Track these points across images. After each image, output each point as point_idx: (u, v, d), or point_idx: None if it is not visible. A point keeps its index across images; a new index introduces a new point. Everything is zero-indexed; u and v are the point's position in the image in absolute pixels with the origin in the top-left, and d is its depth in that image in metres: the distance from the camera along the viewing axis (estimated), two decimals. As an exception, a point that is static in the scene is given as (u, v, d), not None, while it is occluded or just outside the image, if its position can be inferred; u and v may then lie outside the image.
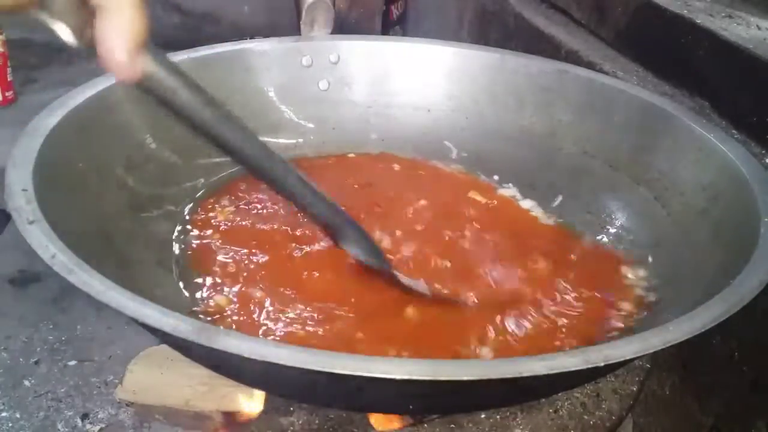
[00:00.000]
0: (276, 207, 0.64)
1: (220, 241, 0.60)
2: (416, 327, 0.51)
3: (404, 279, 0.54)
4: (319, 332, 0.49)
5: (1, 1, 0.36)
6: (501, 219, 0.66)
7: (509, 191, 0.71)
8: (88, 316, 0.72)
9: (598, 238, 0.64)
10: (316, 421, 0.50)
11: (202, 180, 0.68)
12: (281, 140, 0.75)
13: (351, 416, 0.50)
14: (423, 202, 0.67)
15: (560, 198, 0.69)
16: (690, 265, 0.53)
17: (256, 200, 0.65)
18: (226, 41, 0.75)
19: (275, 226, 0.61)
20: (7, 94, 1.10)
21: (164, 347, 0.55)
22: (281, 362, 0.34)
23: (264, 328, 0.50)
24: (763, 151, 0.61)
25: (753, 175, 0.53)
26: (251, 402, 0.52)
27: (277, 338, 0.49)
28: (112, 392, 0.59)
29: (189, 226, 0.62)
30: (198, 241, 0.60)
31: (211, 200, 0.65)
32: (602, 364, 0.35)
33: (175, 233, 0.61)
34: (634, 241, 0.61)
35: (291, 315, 0.51)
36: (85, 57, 0.39)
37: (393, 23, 1.76)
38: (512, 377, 0.35)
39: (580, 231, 0.65)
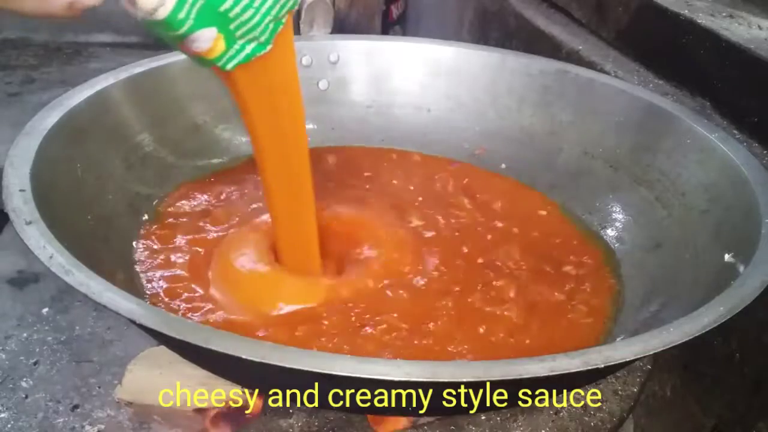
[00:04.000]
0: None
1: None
2: None
3: None
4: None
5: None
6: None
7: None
8: (86, 316, 0.72)
9: (598, 238, 0.64)
10: (316, 423, 0.49)
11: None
12: (281, 140, 0.75)
13: (350, 418, 0.50)
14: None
15: (560, 198, 0.69)
16: (691, 266, 0.53)
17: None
18: (226, 41, 0.74)
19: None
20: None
21: (164, 348, 0.54)
22: (279, 364, 0.33)
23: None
24: (765, 152, 0.61)
25: (754, 176, 0.53)
26: (250, 403, 0.52)
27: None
28: (111, 393, 0.59)
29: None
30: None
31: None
32: (602, 366, 0.35)
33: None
34: (634, 242, 0.61)
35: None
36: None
37: (393, 23, 1.76)
38: (512, 379, 0.35)
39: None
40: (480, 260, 0.59)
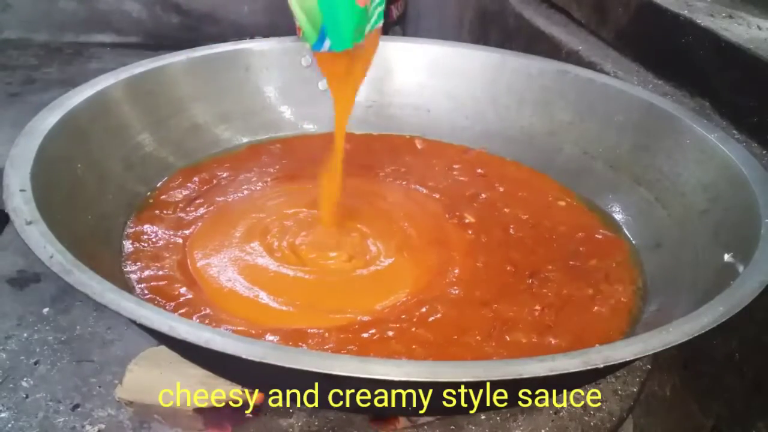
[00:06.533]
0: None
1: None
2: None
3: None
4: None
5: None
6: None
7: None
8: (87, 316, 0.72)
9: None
10: (316, 423, 0.49)
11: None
12: (281, 140, 0.75)
13: (351, 418, 0.50)
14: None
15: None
16: (690, 266, 0.53)
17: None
18: (226, 41, 0.75)
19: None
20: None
21: (164, 348, 0.54)
22: (278, 364, 0.34)
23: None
24: (764, 152, 0.61)
25: (753, 176, 0.53)
26: (249, 403, 0.52)
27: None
28: (111, 392, 0.59)
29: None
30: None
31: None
32: (602, 366, 0.35)
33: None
34: (634, 242, 0.61)
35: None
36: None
37: (393, 23, 1.76)
38: (512, 379, 0.35)
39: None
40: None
